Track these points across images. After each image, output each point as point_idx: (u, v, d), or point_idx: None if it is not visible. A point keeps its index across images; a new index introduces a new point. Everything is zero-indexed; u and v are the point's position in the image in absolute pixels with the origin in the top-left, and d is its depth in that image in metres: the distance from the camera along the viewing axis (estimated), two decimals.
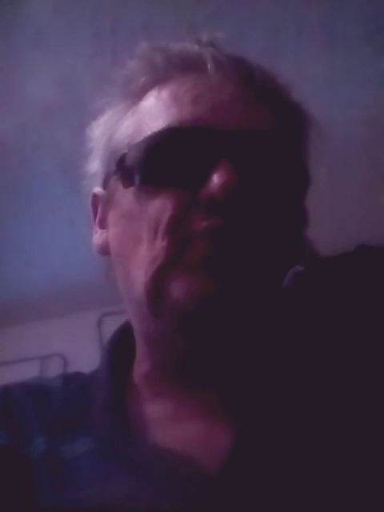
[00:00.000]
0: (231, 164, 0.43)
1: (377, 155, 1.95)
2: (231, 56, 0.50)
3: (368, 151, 1.93)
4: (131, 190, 0.47)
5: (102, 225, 0.52)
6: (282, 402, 0.43)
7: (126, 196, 0.47)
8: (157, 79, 0.49)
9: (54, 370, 2.37)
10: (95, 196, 0.54)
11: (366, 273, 0.46)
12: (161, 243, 0.44)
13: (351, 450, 0.40)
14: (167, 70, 0.49)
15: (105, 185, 0.51)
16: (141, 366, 0.50)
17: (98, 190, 0.53)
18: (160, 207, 0.44)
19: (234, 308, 0.43)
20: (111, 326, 0.57)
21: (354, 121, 1.81)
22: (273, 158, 0.46)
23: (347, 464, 0.39)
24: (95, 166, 0.53)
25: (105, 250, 0.51)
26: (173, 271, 0.44)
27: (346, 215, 2.12)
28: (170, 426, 0.45)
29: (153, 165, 0.46)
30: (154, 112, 0.48)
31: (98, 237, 0.53)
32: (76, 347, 2.42)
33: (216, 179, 0.43)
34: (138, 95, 0.50)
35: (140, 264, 0.45)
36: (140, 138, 0.47)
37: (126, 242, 0.47)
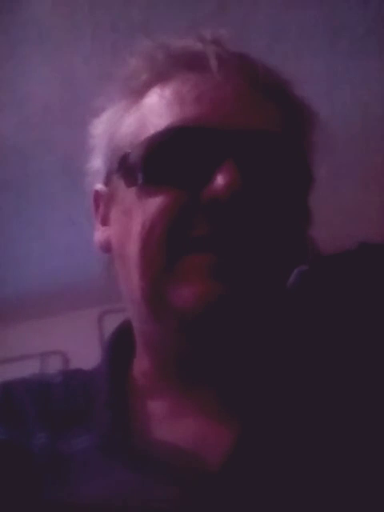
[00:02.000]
0: (235, 164, 0.43)
1: (377, 154, 1.95)
2: (234, 53, 0.49)
3: (368, 150, 1.93)
4: (133, 188, 0.46)
5: (104, 222, 0.52)
6: (283, 400, 0.43)
7: (128, 194, 0.47)
8: (159, 76, 0.49)
9: (54, 367, 2.37)
10: (97, 193, 0.53)
11: (368, 271, 0.46)
12: (155, 247, 0.44)
13: (352, 447, 0.40)
14: (169, 67, 0.49)
15: (107, 182, 0.51)
16: (140, 364, 0.50)
17: (99, 187, 0.53)
18: (158, 208, 0.44)
19: (238, 312, 0.43)
20: (112, 323, 0.57)
21: (354, 121, 1.81)
22: (277, 157, 0.45)
23: (348, 461, 0.39)
24: (97, 163, 0.52)
25: (106, 247, 0.51)
26: (170, 279, 0.43)
27: (346, 214, 2.13)
28: (169, 422, 0.46)
29: (155, 164, 0.45)
30: (156, 110, 0.47)
31: (99, 234, 0.52)
32: (76, 344, 2.42)
33: (220, 179, 0.42)
34: (140, 92, 0.50)
35: (134, 266, 0.45)
36: (143, 136, 0.47)
37: (125, 241, 0.47)
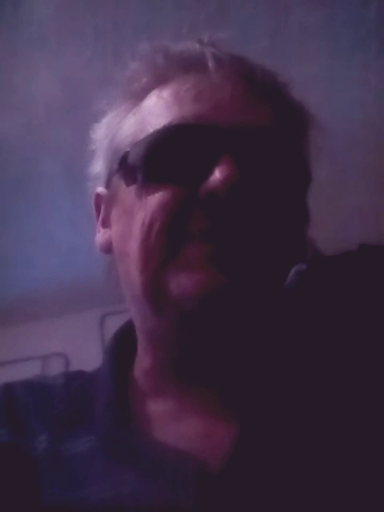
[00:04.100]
0: (232, 160, 0.43)
1: (377, 155, 1.95)
2: (232, 55, 0.50)
3: (368, 151, 1.93)
4: (133, 187, 0.47)
5: (105, 224, 0.53)
6: (283, 399, 0.43)
7: (128, 194, 0.48)
8: (158, 79, 0.50)
9: (55, 369, 2.37)
10: (98, 196, 0.54)
11: (367, 272, 0.46)
12: (155, 241, 0.44)
13: (352, 446, 0.40)
14: (169, 70, 0.49)
15: (108, 184, 0.52)
16: (142, 363, 0.51)
17: (100, 189, 0.53)
18: (158, 204, 0.45)
19: (237, 304, 0.44)
20: (113, 325, 0.57)
21: (354, 121, 1.81)
22: (273, 155, 0.46)
23: (348, 461, 0.40)
24: (98, 166, 0.53)
25: (107, 248, 0.52)
26: (170, 270, 0.44)
27: (347, 214, 2.13)
28: (171, 422, 0.46)
29: (154, 162, 0.46)
30: (155, 111, 0.48)
31: (100, 236, 0.53)
32: (78, 347, 2.42)
33: (217, 174, 0.43)
34: (140, 96, 0.50)
35: (135, 262, 0.46)
36: (142, 136, 0.47)
37: (126, 239, 0.47)
